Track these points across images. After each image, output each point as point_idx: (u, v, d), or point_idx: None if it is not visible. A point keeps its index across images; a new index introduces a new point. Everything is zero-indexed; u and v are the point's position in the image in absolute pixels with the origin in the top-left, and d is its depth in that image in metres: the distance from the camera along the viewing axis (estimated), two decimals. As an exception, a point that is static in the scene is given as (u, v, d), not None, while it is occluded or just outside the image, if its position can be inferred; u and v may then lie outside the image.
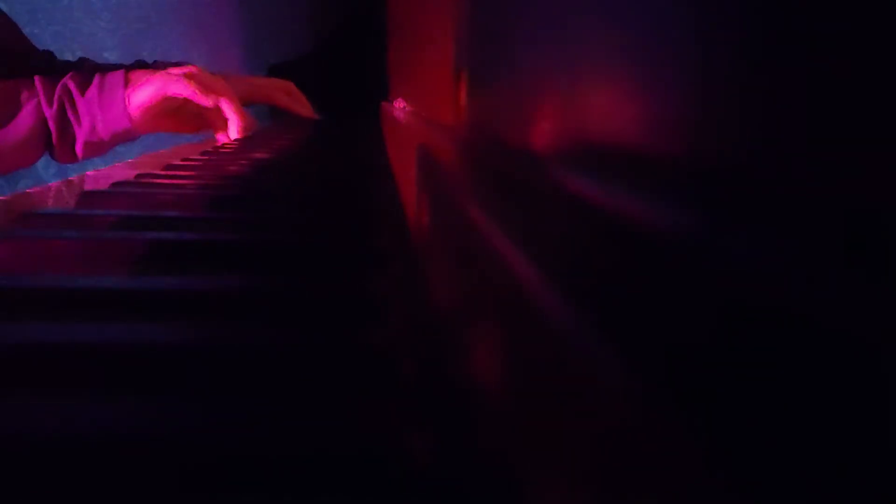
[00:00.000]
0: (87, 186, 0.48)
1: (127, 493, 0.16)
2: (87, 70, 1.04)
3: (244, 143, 0.87)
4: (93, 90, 0.98)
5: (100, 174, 0.57)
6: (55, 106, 0.98)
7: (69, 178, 0.54)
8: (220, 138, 1.04)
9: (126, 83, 0.97)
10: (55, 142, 1.00)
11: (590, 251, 0.14)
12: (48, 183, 0.49)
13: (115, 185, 0.48)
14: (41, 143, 1.00)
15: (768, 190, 0.10)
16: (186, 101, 0.97)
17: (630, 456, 0.09)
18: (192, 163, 0.64)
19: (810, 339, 0.08)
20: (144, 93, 0.96)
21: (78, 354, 0.21)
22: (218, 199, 0.45)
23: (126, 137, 1.01)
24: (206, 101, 0.97)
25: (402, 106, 0.80)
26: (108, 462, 0.16)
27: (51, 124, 0.99)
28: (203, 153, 0.74)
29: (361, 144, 0.91)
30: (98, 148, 1.02)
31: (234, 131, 0.99)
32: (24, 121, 0.98)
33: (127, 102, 0.97)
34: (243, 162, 0.67)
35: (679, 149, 0.12)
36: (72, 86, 0.99)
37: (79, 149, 1.01)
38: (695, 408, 0.08)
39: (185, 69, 0.98)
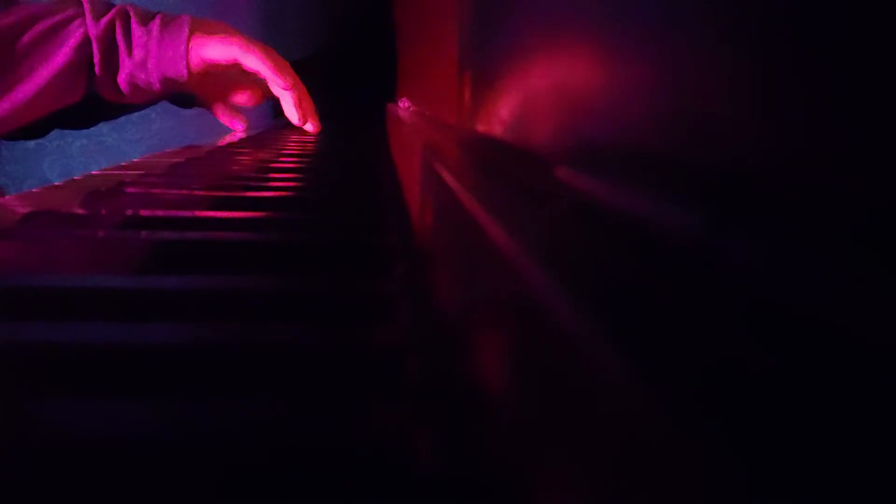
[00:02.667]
0: (92, 186, 0.48)
1: (130, 494, 0.16)
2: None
3: (248, 142, 0.87)
4: (154, 24, 0.88)
5: (105, 174, 0.57)
6: (103, 25, 0.88)
7: (74, 178, 0.54)
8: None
9: (192, 30, 0.88)
10: (97, 69, 0.89)
11: (596, 251, 0.14)
12: (53, 182, 0.49)
13: (120, 184, 0.49)
14: (83, 70, 0.89)
15: (776, 190, 0.10)
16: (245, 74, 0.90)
17: (635, 456, 0.09)
18: (197, 162, 0.65)
19: (818, 339, 0.08)
20: (215, 50, 0.88)
21: (81, 355, 0.21)
22: (222, 199, 0.45)
23: (176, 87, 0.92)
24: (283, 83, 0.91)
25: (406, 105, 0.80)
26: (113, 464, 0.16)
27: (94, 45, 0.88)
28: (208, 153, 0.74)
29: (365, 144, 0.91)
30: (144, 92, 0.92)
31: (295, 118, 0.96)
32: (65, 41, 0.88)
33: (188, 48, 0.87)
34: (248, 162, 0.67)
35: (685, 149, 0.12)
36: (131, 10, 0.89)
37: (122, 82, 0.90)
38: (702, 408, 0.08)
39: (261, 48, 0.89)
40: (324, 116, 1.07)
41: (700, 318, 0.10)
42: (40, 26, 0.87)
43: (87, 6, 0.89)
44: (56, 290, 0.26)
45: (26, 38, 0.86)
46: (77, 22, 0.88)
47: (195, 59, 0.88)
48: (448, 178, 0.23)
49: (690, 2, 0.12)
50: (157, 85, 0.90)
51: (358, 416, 0.18)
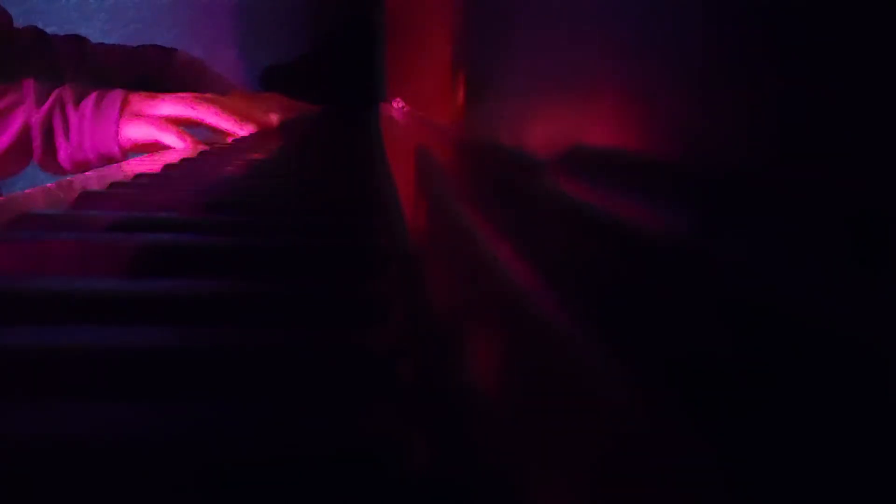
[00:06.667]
0: (85, 187, 0.48)
1: (123, 497, 0.16)
2: (83, 70, 1.01)
3: (241, 143, 0.87)
4: (88, 104, 0.94)
5: (97, 174, 0.57)
6: (43, 112, 0.95)
7: (67, 179, 0.54)
8: None
9: (122, 109, 0.93)
10: (37, 153, 0.96)
11: (587, 253, 0.14)
12: (45, 184, 0.49)
13: (112, 185, 0.48)
14: (25, 152, 0.97)
15: (768, 191, 0.10)
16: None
17: (629, 456, 0.09)
18: (191, 163, 0.64)
19: (812, 341, 0.08)
20: (138, 131, 0.93)
21: (74, 358, 0.21)
22: (216, 200, 0.45)
23: (114, 161, 0.96)
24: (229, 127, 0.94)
25: (400, 106, 0.80)
26: (107, 466, 0.16)
27: (34, 131, 0.95)
28: (201, 153, 0.74)
29: (360, 144, 0.91)
30: (85, 165, 0.98)
31: (230, 128, 0.96)
32: (8, 128, 0.95)
33: (118, 131, 0.93)
34: (241, 163, 0.67)
35: (678, 151, 0.12)
36: (68, 93, 0.96)
37: (62, 161, 0.97)
38: (695, 410, 0.08)
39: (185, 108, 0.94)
40: (320, 115, 1.07)
41: (696, 319, 0.10)
42: None
43: (30, 93, 0.95)
44: (47, 293, 0.26)
45: None
46: (20, 109, 0.95)
47: (124, 140, 0.94)
48: (440, 179, 0.23)
49: (685, 1, 0.12)
50: (95, 160, 0.96)
51: (353, 417, 0.18)
